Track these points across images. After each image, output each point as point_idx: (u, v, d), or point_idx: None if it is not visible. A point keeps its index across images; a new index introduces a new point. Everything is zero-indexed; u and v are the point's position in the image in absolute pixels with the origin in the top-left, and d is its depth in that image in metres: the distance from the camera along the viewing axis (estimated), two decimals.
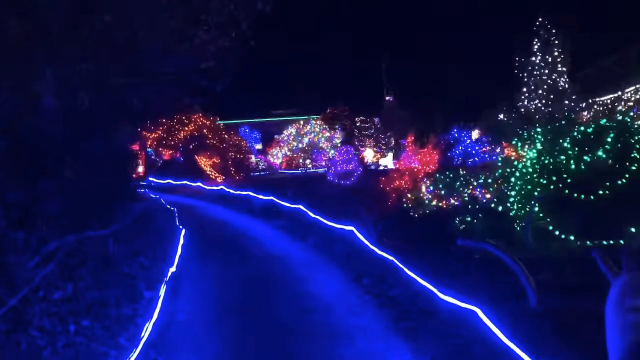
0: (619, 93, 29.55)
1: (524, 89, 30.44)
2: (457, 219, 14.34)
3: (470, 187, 16.64)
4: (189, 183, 33.13)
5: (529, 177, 12.88)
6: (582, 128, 12.81)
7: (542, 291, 7.40)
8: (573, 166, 12.02)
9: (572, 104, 28.68)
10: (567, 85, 29.68)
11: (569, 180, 11.96)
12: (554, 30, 29.77)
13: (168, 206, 22.13)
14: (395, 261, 10.25)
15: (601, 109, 29.39)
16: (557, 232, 11.62)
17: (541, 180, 12.46)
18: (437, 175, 18.33)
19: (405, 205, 18.37)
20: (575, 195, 11.69)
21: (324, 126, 47.54)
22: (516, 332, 5.97)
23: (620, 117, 12.97)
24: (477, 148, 30.31)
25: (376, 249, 11.50)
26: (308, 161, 45.76)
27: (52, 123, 7.09)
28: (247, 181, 34.02)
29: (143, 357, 6.65)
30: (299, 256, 13.85)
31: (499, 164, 16.18)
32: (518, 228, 12.72)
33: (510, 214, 13.15)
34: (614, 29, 38.04)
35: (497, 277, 8.74)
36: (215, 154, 37.15)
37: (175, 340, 7.91)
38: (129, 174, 15.16)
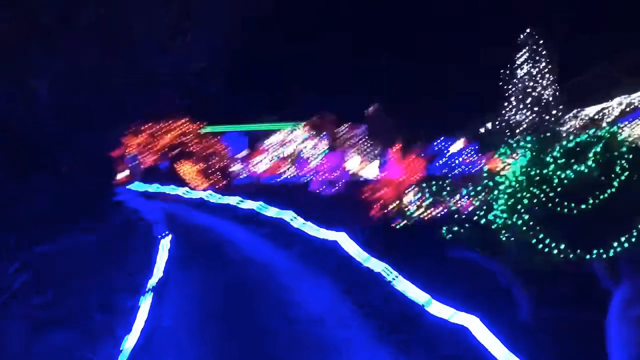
0: (605, 104, 29.99)
1: (512, 99, 30.76)
2: (444, 228, 14.27)
3: (456, 196, 16.59)
4: (173, 189, 32.67)
5: (515, 188, 12.86)
6: (571, 138, 12.85)
7: (533, 302, 7.37)
8: (561, 177, 12.02)
9: (559, 114, 29.04)
10: (551, 99, 30.02)
11: (557, 191, 11.95)
12: (541, 41, 30.13)
13: (153, 210, 21.75)
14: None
15: (588, 119, 29.80)
16: (542, 245, 11.60)
17: (526, 193, 12.44)
18: (423, 184, 18.27)
19: (389, 214, 18.33)
20: (562, 207, 11.69)
21: (310, 133, 47.51)
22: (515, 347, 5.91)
23: (606, 129, 13.04)
24: (462, 158, 30.49)
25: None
26: (292, 168, 45.62)
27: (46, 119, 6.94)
28: (231, 188, 33.87)
29: None
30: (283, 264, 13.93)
31: (484, 174, 16.16)
32: (504, 239, 12.69)
33: (496, 224, 13.12)
34: (602, 39, 38.46)
35: (490, 289, 8.72)
36: (200, 160, 36.96)
37: None
38: (113, 178, 15.06)
